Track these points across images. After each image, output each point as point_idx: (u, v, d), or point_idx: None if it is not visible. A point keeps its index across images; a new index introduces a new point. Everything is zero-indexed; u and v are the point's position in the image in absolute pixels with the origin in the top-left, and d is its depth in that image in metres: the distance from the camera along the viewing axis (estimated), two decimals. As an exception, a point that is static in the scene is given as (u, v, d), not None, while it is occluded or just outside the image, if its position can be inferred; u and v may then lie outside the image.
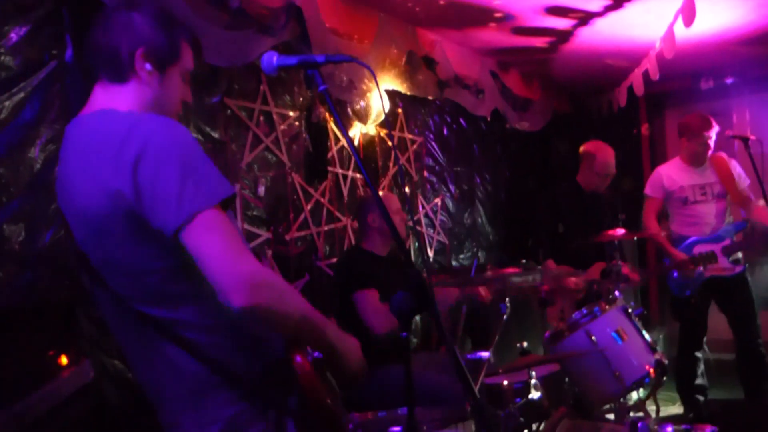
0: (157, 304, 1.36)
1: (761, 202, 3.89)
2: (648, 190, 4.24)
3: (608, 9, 3.98)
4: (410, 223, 3.29)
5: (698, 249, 3.94)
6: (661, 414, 4.05)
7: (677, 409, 4.32)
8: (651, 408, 3.78)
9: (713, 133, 3.99)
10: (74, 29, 2.32)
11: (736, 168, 4.03)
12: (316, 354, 1.47)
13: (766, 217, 3.88)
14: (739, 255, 3.96)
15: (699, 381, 4.15)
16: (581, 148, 4.19)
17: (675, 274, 3.98)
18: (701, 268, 3.83)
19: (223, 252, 1.25)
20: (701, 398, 4.11)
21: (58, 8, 2.29)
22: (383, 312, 2.81)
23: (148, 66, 1.42)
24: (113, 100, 1.42)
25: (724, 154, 4.10)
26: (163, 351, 1.37)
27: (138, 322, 1.37)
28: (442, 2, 3.76)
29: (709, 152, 4.02)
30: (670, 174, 4.15)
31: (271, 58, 1.49)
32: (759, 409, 3.22)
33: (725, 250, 3.91)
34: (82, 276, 1.47)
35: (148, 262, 1.33)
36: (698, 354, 4.10)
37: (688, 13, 3.54)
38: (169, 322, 1.36)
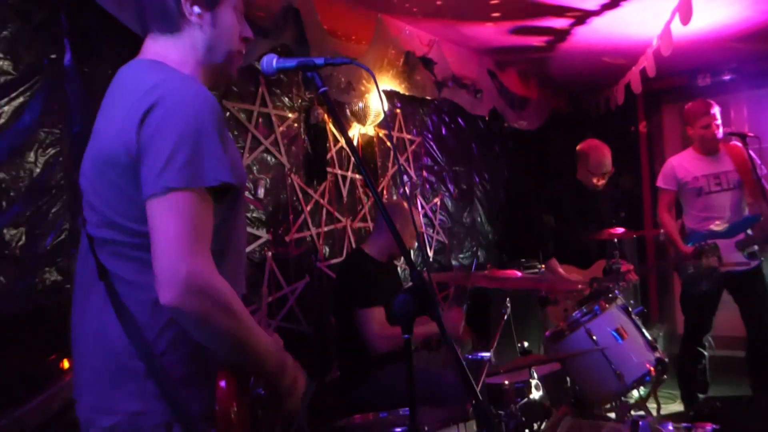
0: (125, 261, 1.30)
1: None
2: (660, 182, 4.06)
3: (605, 7, 3.99)
4: (421, 229, 3.27)
5: (710, 242, 3.73)
6: (662, 412, 4.05)
7: (678, 406, 4.33)
8: (652, 406, 3.79)
9: (716, 112, 3.84)
10: (73, 33, 2.32)
11: (752, 157, 3.80)
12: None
13: None
14: (755, 249, 3.76)
15: (700, 378, 4.13)
16: (577, 148, 4.19)
17: (690, 269, 3.80)
18: (714, 262, 3.62)
19: (173, 242, 1.18)
20: (701, 395, 4.10)
21: (57, 13, 2.29)
22: (387, 334, 2.81)
23: (196, 8, 1.38)
24: (166, 53, 1.39)
25: (739, 143, 3.86)
26: (102, 313, 1.30)
27: (95, 277, 1.32)
28: (439, 2, 3.76)
29: (719, 136, 3.82)
30: (683, 164, 3.98)
31: (271, 61, 1.50)
32: (760, 406, 3.21)
33: (739, 244, 3.74)
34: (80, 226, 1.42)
35: (130, 219, 1.28)
36: (701, 350, 4.04)
37: (685, 11, 3.54)
38: (125, 282, 1.30)
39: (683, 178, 3.94)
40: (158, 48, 1.40)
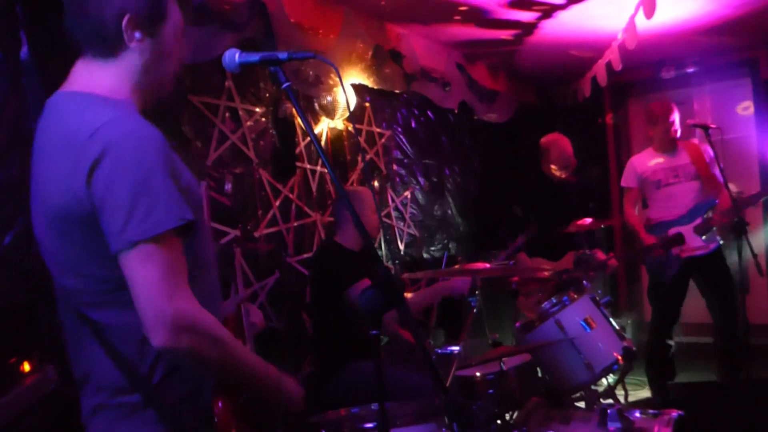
0: (98, 307, 1.32)
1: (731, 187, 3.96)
2: (623, 182, 4.29)
3: (571, 1, 4.02)
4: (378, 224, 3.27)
5: (672, 231, 3.97)
6: (630, 399, 4.13)
7: (646, 392, 4.41)
8: (620, 393, 3.86)
9: (675, 117, 4.07)
10: (29, 26, 2.25)
11: (708, 152, 4.03)
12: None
13: (728, 202, 3.92)
14: (713, 231, 3.96)
15: (668, 366, 4.21)
16: (540, 142, 4.27)
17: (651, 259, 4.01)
18: (674, 251, 3.85)
19: (153, 286, 1.21)
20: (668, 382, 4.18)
21: (12, 5, 2.22)
22: None
23: (137, 34, 1.33)
24: (99, 78, 1.33)
25: (696, 141, 4.18)
26: (93, 353, 1.34)
27: (78, 318, 1.34)
28: (407, -5, 3.75)
29: (677, 136, 4.08)
30: (642, 161, 4.22)
31: (233, 56, 1.46)
32: (725, 392, 3.29)
33: (697, 229, 3.95)
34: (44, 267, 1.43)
35: (98, 267, 1.28)
36: (668, 341, 4.13)
37: (648, 5, 3.59)
38: (103, 326, 1.32)
39: (643, 173, 4.16)
40: (88, 75, 1.34)
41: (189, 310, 1.25)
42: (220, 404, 1.37)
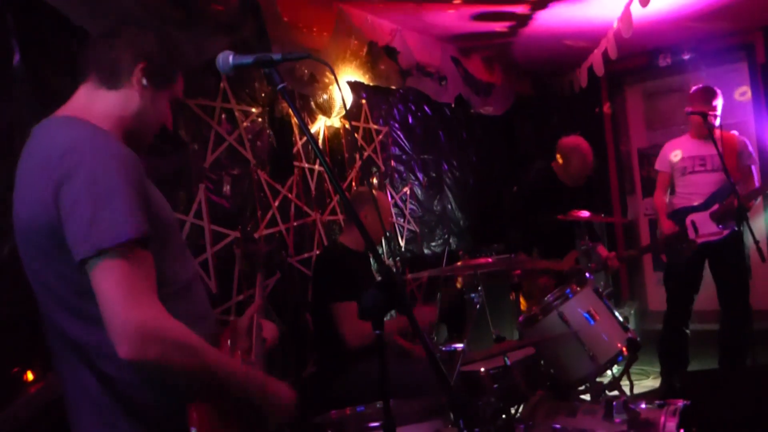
0: (73, 324, 1.34)
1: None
2: (657, 164, 4.30)
3: (566, -9, 4.01)
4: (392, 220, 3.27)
5: (690, 217, 4.01)
6: (636, 389, 4.11)
7: (651, 382, 4.42)
8: (625, 385, 3.85)
9: (716, 104, 3.94)
10: (20, 33, 2.24)
11: (744, 146, 4.03)
12: None
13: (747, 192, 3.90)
14: (728, 219, 3.92)
15: (682, 356, 4.19)
16: (559, 143, 4.11)
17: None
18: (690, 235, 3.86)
19: (117, 296, 1.22)
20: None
21: (3, 13, 2.20)
22: (359, 329, 2.81)
23: (144, 81, 1.46)
24: (93, 103, 1.44)
25: (735, 133, 4.12)
26: (79, 373, 1.36)
27: (60, 337, 1.37)
28: (400, -10, 3.74)
29: (715, 123, 3.89)
30: (675, 146, 4.20)
31: (227, 58, 1.47)
32: (732, 380, 3.28)
33: (713, 215, 3.95)
34: None
35: (68, 281, 1.32)
36: (686, 330, 4.11)
37: (644, -7, 3.57)
38: (82, 345, 1.34)
39: (673, 158, 4.15)
40: (85, 100, 1.45)
41: (153, 319, 1.25)
42: (194, 414, 1.33)
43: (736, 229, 3.91)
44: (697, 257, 3.99)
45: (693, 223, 3.98)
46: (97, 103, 1.44)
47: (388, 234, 3.39)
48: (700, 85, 4.11)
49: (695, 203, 4.03)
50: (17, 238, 1.41)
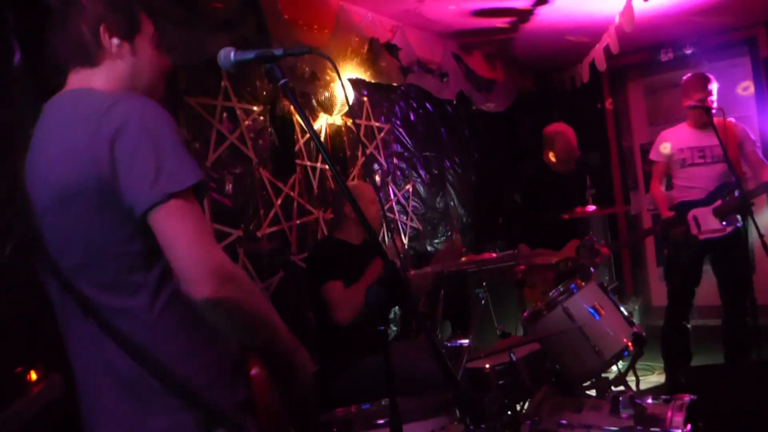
0: (110, 290, 1.30)
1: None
2: (652, 155, 4.18)
3: (566, -15, 3.99)
4: (380, 215, 3.26)
5: (692, 213, 3.90)
6: (641, 385, 4.11)
7: (656, 378, 4.40)
8: (631, 380, 3.84)
9: (711, 89, 3.88)
10: (20, 33, 2.23)
11: (746, 134, 3.93)
12: None
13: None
14: (732, 215, 3.85)
15: (685, 350, 4.19)
16: (544, 131, 4.22)
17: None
18: (695, 231, 3.81)
19: (194, 239, 1.22)
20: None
21: (2, 13, 2.20)
22: (344, 301, 2.80)
23: (115, 40, 1.43)
24: (90, 82, 1.41)
25: (733, 120, 3.99)
26: (102, 349, 1.31)
27: (81, 316, 1.32)
28: (400, -13, 3.73)
29: (713, 107, 3.82)
30: (672, 137, 4.08)
31: (228, 54, 1.46)
32: (737, 375, 3.27)
33: (716, 211, 3.85)
34: (39, 271, 1.41)
35: (113, 243, 1.29)
36: (684, 323, 4.09)
37: (645, -14, 3.55)
38: (116, 312, 1.29)
39: (662, 150, 4.05)
40: (82, 78, 1.42)
41: (228, 260, 1.26)
42: (253, 372, 1.35)
43: (740, 225, 3.84)
44: (698, 252, 3.94)
45: (695, 218, 3.89)
46: (93, 81, 1.41)
47: (382, 223, 3.38)
48: (691, 73, 4.02)
49: (695, 197, 3.94)
50: (40, 210, 1.35)
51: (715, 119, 3.68)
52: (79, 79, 1.42)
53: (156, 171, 1.23)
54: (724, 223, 3.83)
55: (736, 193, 3.74)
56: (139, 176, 1.23)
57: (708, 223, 3.83)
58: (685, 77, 4.05)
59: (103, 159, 1.24)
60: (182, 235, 1.22)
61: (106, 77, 1.42)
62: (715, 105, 3.84)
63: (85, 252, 1.31)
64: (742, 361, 3.90)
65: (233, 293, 1.23)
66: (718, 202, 3.86)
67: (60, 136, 1.32)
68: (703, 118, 3.81)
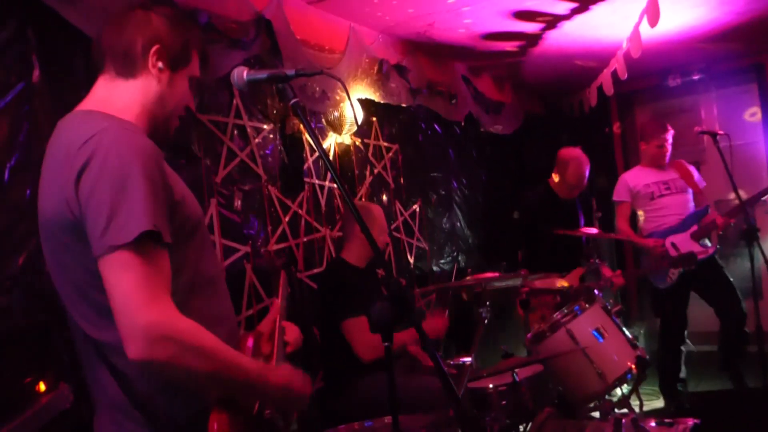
0: (94, 323, 1.32)
1: (731, 196, 4.08)
2: (615, 196, 4.48)
3: (575, 12, 4.04)
4: (388, 241, 3.30)
5: (670, 239, 4.15)
6: (645, 408, 4.08)
7: (660, 402, 4.37)
8: (634, 403, 3.82)
9: (669, 136, 4.28)
10: (40, 49, 2.29)
11: (695, 172, 4.34)
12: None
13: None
14: (707, 239, 4.21)
15: (678, 372, 4.24)
16: (558, 152, 4.24)
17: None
18: (681, 269, 4.01)
19: (128, 295, 1.19)
20: (681, 389, 4.19)
21: (23, 29, 2.26)
22: (372, 343, 2.83)
23: (160, 64, 1.44)
24: (113, 95, 1.42)
25: (683, 161, 4.44)
26: (98, 371, 1.35)
27: (83, 337, 1.36)
28: (411, 10, 3.79)
29: (668, 155, 4.30)
30: (634, 177, 4.44)
31: (242, 73, 1.50)
32: (741, 400, 3.27)
33: (694, 235, 4.15)
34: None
35: (91, 275, 1.28)
36: (681, 347, 4.22)
37: (652, 14, 3.60)
38: (102, 344, 1.33)
39: (635, 187, 4.39)
40: (105, 92, 1.43)
41: (165, 318, 1.21)
42: (215, 426, 1.29)
43: (718, 247, 4.20)
44: (680, 281, 4.13)
45: (673, 244, 4.14)
46: (116, 95, 1.42)
47: (388, 245, 3.42)
48: (653, 119, 4.53)
49: (670, 224, 4.23)
50: (42, 235, 1.39)
51: (669, 161, 4.28)
52: (104, 92, 1.43)
53: (107, 219, 1.20)
54: (708, 243, 4.14)
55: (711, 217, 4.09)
56: (93, 222, 1.22)
57: (687, 247, 4.08)
58: (644, 122, 4.51)
59: (71, 200, 1.25)
60: (117, 292, 1.20)
61: (132, 93, 1.43)
62: (669, 151, 4.33)
63: (71, 283, 1.33)
64: (736, 362, 4.08)
65: (166, 353, 1.19)
66: (694, 227, 4.17)
67: (52, 165, 1.34)
68: (661, 160, 4.33)
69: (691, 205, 4.31)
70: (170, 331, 1.21)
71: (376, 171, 4.36)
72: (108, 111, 1.38)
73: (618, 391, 3.22)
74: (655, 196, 4.31)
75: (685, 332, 4.27)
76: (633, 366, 2.99)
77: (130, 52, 1.42)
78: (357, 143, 4.12)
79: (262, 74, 1.49)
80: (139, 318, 1.18)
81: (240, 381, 1.32)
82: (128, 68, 1.42)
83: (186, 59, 1.49)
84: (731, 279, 4.19)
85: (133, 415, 1.31)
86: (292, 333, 1.77)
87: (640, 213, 4.41)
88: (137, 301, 1.19)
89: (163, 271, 1.26)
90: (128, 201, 1.22)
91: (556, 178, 4.21)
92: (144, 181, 1.24)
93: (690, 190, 4.31)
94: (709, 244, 4.15)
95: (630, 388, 3.59)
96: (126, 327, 1.19)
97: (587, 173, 4.19)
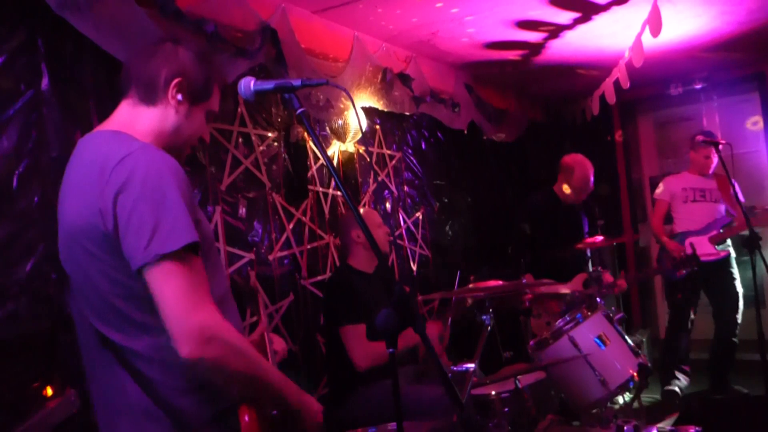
0: (118, 329, 1.38)
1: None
2: (657, 194, 4.78)
3: (577, 21, 4.07)
4: (390, 238, 3.31)
5: (689, 240, 4.44)
6: (646, 413, 4.09)
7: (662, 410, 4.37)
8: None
9: (715, 154, 4.42)
10: (50, 58, 2.32)
11: (737, 188, 4.39)
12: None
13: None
14: (728, 242, 4.50)
15: (681, 382, 4.28)
16: (562, 160, 4.25)
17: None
18: (683, 270, 4.15)
19: (179, 299, 1.28)
20: (678, 389, 4.34)
21: (33, 38, 2.29)
22: (368, 350, 2.84)
23: (180, 96, 1.51)
24: (134, 119, 1.50)
25: (726, 176, 4.54)
26: (117, 376, 1.39)
27: (99, 343, 1.40)
28: (414, 20, 3.82)
29: (713, 166, 4.54)
30: (677, 179, 4.72)
31: (249, 84, 1.52)
32: (740, 406, 3.28)
33: (712, 239, 4.44)
34: (64, 294, 1.50)
35: (118, 285, 1.36)
36: (686, 333, 4.51)
37: (654, 23, 3.63)
38: (125, 349, 1.38)
39: (675, 188, 4.67)
40: (128, 116, 1.51)
41: (214, 321, 1.30)
42: (246, 418, 1.38)
43: (731, 252, 4.48)
44: (695, 274, 4.30)
45: (692, 245, 4.34)
46: (138, 120, 1.50)
47: (392, 247, 3.44)
48: (705, 134, 4.57)
49: (694, 228, 4.49)
50: (62, 240, 1.45)
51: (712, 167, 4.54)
52: (127, 115, 1.51)
53: (152, 230, 1.29)
54: (716, 248, 4.44)
55: (736, 228, 4.36)
56: (135, 234, 1.29)
57: (703, 248, 4.30)
58: (695, 132, 4.66)
59: (107, 212, 1.31)
60: (168, 296, 1.28)
61: (150, 120, 1.51)
62: (715, 163, 4.52)
63: (96, 291, 1.39)
64: (722, 370, 4.43)
65: (215, 353, 1.28)
66: (714, 232, 4.45)
67: (81, 177, 1.40)
68: (705, 169, 4.56)
69: (721, 216, 4.54)
70: (219, 332, 1.30)
71: (379, 178, 4.39)
72: (131, 133, 1.46)
73: (620, 399, 3.23)
74: (689, 200, 4.58)
75: (691, 319, 4.53)
76: (635, 373, 2.99)
77: (153, 81, 1.50)
78: (361, 151, 4.15)
79: (269, 85, 1.51)
80: (191, 320, 1.27)
81: (270, 385, 1.42)
82: (150, 96, 1.51)
83: (206, 94, 1.57)
84: (739, 290, 4.43)
85: (156, 416, 1.36)
86: (279, 343, 1.86)
87: (674, 215, 4.66)
88: (187, 305, 1.28)
89: (204, 278, 1.35)
90: (171, 214, 1.31)
91: (562, 185, 4.20)
92: (181, 198, 1.34)
93: (724, 201, 4.54)
94: (730, 249, 4.43)
95: (632, 395, 3.60)
96: (178, 328, 1.27)
97: (592, 177, 4.20)
